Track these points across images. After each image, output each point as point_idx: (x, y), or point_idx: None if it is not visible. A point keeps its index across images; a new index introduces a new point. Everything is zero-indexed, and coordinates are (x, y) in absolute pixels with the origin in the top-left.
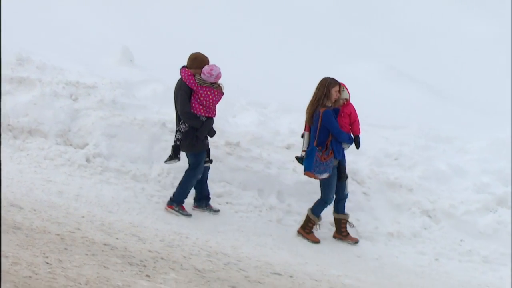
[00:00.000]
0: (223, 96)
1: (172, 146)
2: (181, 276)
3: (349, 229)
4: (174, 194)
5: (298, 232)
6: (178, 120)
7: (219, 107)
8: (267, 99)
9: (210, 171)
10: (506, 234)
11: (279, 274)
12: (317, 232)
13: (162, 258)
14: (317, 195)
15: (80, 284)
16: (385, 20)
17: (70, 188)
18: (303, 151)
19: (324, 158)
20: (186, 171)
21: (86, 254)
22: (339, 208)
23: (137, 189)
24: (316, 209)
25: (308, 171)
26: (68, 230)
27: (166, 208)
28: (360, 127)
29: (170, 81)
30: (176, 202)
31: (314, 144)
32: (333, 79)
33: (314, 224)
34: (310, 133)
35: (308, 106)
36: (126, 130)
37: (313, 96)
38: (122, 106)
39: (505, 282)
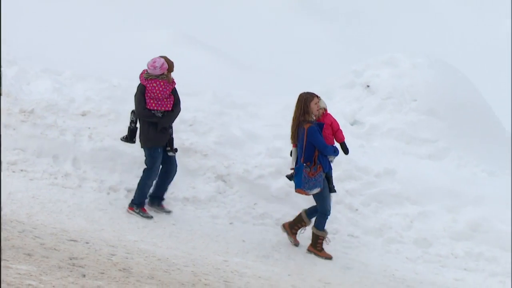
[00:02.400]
0: (174, 85)
1: (128, 127)
2: None
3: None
4: (134, 196)
5: (309, 250)
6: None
7: (12, 74)
8: (62, 66)
9: (4, 140)
10: (295, 197)
11: (75, 240)
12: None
13: None
14: (113, 161)
15: None
16: None
17: None
18: (291, 168)
19: (312, 173)
20: (143, 171)
21: None
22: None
23: None
24: (319, 224)
25: (299, 188)
26: None
27: (127, 210)
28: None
29: None
30: (136, 204)
31: (301, 160)
32: (308, 93)
33: (323, 239)
34: (297, 149)
35: (291, 125)
36: None
37: (293, 115)
38: None
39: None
